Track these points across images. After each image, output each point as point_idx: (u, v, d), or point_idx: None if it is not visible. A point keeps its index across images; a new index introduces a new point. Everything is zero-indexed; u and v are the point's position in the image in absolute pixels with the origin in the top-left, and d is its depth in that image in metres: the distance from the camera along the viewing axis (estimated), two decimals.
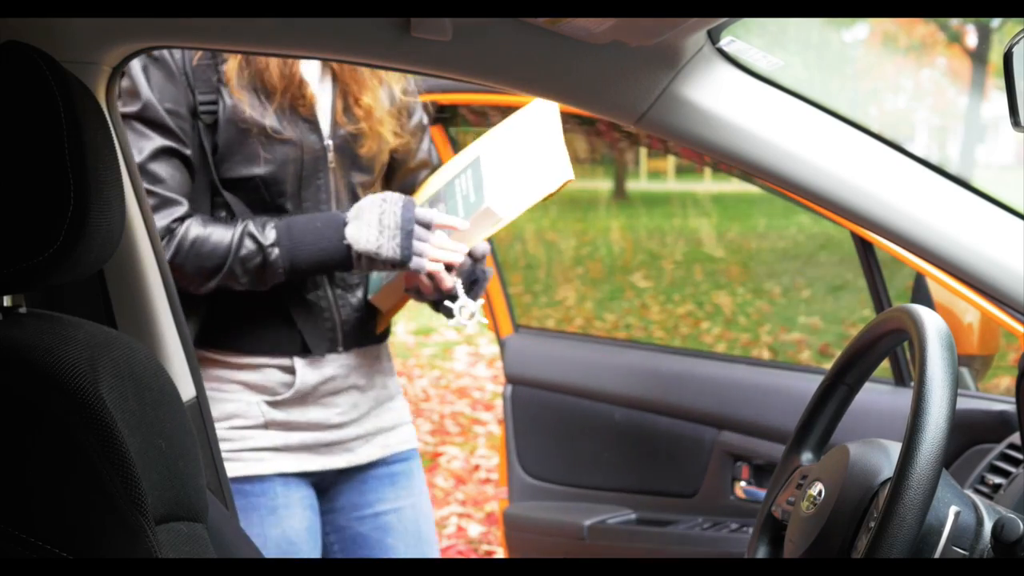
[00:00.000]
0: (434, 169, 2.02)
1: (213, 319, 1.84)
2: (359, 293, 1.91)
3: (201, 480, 1.21)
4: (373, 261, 1.77)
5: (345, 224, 1.78)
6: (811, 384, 1.44)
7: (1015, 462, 1.64)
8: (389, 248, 1.75)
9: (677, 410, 1.65)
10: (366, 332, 1.92)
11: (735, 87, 1.36)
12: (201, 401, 1.58)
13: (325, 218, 1.80)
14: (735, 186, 9.21)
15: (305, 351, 1.84)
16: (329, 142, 1.85)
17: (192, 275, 1.77)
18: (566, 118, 1.87)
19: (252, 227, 1.78)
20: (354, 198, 1.89)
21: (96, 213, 1.02)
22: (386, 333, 1.97)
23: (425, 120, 2.02)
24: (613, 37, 1.29)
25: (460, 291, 1.81)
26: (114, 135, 1.27)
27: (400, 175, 1.99)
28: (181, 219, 1.77)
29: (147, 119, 1.76)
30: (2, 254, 1.00)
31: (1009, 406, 1.99)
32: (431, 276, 1.79)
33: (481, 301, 1.85)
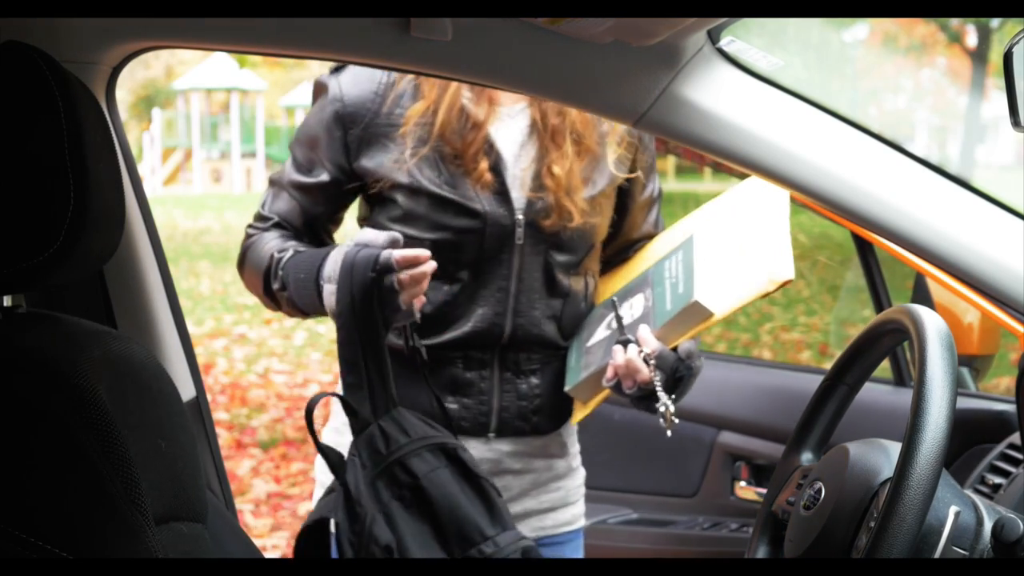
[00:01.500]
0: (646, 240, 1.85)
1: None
2: (533, 380, 1.75)
3: (201, 480, 1.21)
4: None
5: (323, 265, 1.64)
6: (811, 384, 1.44)
7: (1015, 462, 1.64)
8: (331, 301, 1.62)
9: (677, 410, 1.65)
10: (529, 422, 1.76)
11: (735, 87, 1.36)
12: (201, 401, 1.58)
13: (315, 255, 1.67)
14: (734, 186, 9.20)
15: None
16: (520, 216, 1.69)
17: (247, 278, 1.77)
18: None
19: (279, 249, 1.71)
20: (550, 279, 1.72)
21: (96, 213, 1.02)
22: (559, 422, 1.80)
23: (656, 192, 1.83)
24: (613, 37, 1.29)
25: (659, 388, 1.64)
26: (114, 135, 1.27)
27: (616, 244, 1.83)
28: (264, 230, 1.75)
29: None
30: (2, 254, 1.00)
31: (1009, 406, 1.99)
32: (629, 369, 1.64)
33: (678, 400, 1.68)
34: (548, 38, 1.31)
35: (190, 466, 1.18)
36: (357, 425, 1.60)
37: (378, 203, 1.71)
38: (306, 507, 4.38)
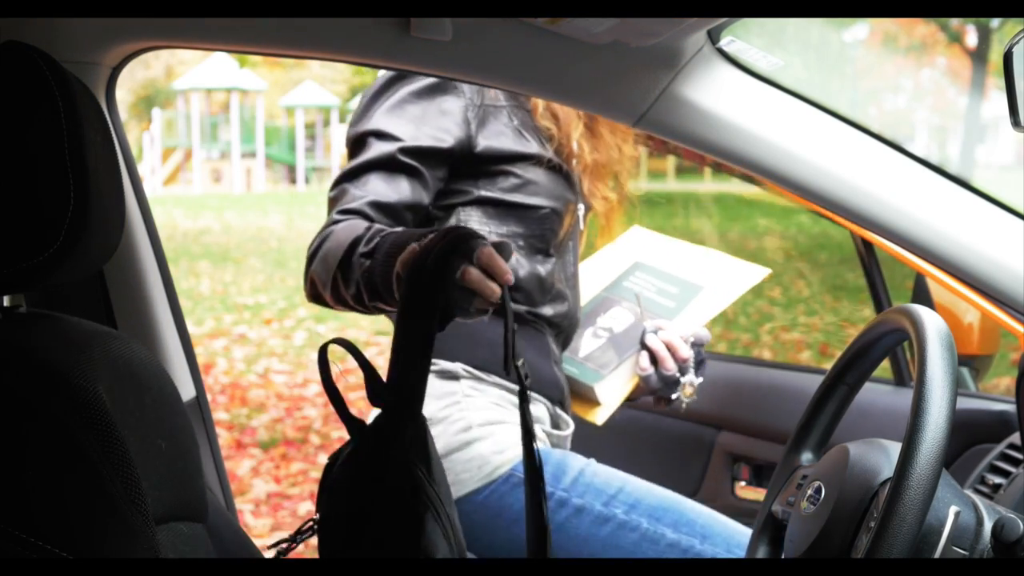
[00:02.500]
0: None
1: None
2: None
3: (201, 480, 1.21)
4: None
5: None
6: (811, 384, 1.44)
7: (1015, 462, 1.64)
8: None
9: (677, 410, 1.67)
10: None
11: (735, 87, 1.36)
12: (201, 401, 1.58)
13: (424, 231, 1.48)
14: (735, 186, 9.21)
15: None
16: (582, 204, 1.86)
17: (319, 262, 1.58)
18: None
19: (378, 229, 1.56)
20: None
21: (96, 213, 1.02)
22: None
23: None
24: (613, 37, 1.29)
25: (691, 368, 1.80)
26: (114, 135, 1.27)
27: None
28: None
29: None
30: (2, 254, 1.00)
31: (1009, 406, 1.99)
32: (656, 363, 1.79)
33: (701, 379, 1.83)
34: (548, 38, 1.31)
35: (190, 466, 1.18)
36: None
37: (487, 176, 1.74)
38: (306, 507, 4.38)
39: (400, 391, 1.27)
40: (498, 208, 1.73)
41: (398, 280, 1.41)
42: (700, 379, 1.82)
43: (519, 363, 1.31)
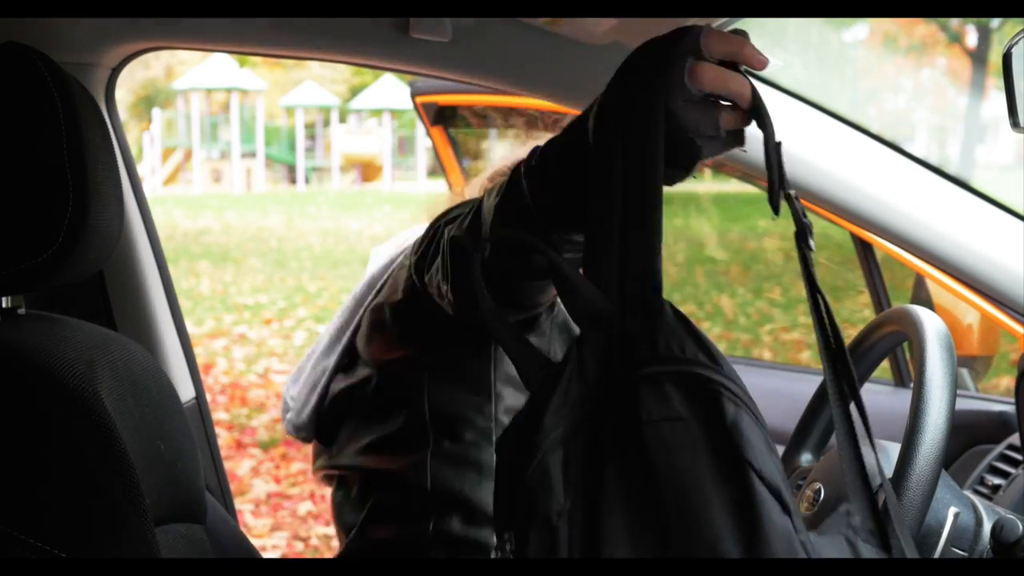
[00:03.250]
0: None
1: None
2: None
3: (200, 482, 1.21)
4: None
5: None
6: (811, 384, 1.44)
7: (1014, 463, 1.64)
8: None
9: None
10: None
11: None
12: (200, 402, 1.58)
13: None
14: (735, 186, 9.22)
15: None
16: None
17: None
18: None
19: None
20: None
21: (95, 214, 1.02)
22: None
23: None
24: (612, 38, 1.29)
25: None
26: (113, 136, 1.27)
27: None
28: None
29: None
30: (1, 255, 1.00)
31: (1008, 407, 1.99)
32: None
33: None
34: (547, 39, 1.31)
35: (189, 468, 1.18)
36: None
37: None
38: (306, 507, 4.38)
39: (641, 282, 0.79)
40: None
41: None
42: None
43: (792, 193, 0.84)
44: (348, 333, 1.44)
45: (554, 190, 0.93)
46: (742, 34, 0.86)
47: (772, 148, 0.82)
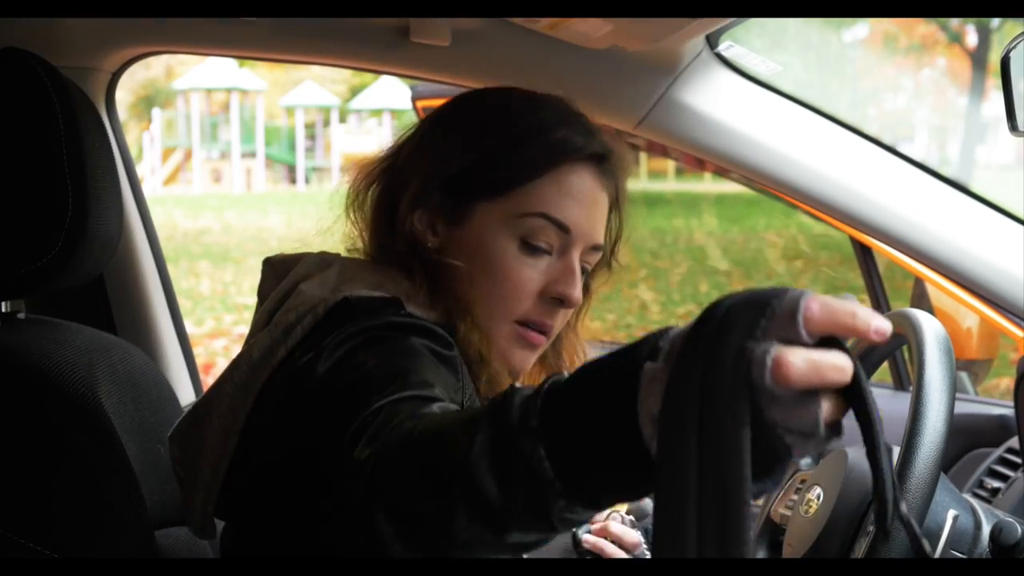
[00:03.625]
0: None
1: None
2: None
3: None
4: None
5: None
6: None
7: (1013, 466, 1.64)
8: None
9: None
10: None
11: (734, 92, 1.36)
12: None
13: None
14: (735, 187, 9.22)
15: None
16: None
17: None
18: None
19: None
20: None
21: (94, 219, 1.02)
22: None
23: None
24: (611, 42, 1.29)
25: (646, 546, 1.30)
26: (113, 140, 1.27)
27: None
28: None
29: None
30: (1, 260, 1.00)
31: (1008, 410, 1.99)
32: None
33: None
34: (546, 43, 1.31)
35: None
36: None
37: None
38: None
39: None
40: None
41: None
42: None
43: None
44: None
45: (581, 459, 0.67)
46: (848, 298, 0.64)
47: (882, 451, 0.63)
